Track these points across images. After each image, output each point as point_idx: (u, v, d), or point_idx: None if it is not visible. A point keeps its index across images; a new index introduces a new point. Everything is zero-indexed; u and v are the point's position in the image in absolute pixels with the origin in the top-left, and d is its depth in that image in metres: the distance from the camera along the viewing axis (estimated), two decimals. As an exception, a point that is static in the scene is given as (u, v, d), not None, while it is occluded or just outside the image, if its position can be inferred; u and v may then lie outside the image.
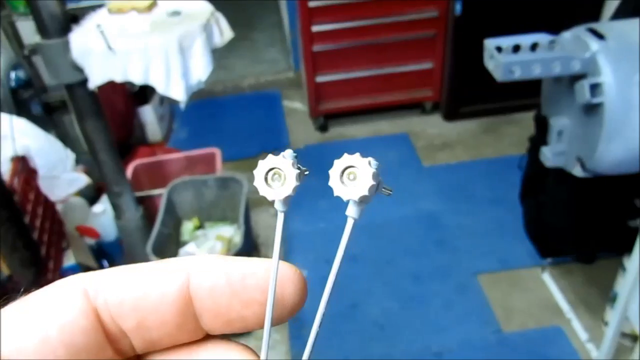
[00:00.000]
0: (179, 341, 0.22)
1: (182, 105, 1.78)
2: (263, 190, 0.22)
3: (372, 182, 0.21)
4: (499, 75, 1.44)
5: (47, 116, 2.56)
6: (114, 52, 1.64)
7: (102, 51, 1.63)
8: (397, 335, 2.08)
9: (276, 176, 0.22)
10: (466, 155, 2.85)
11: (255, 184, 0.22)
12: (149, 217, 2.16)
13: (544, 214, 1.89)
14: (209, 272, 0.22)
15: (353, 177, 0.22)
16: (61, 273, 2.09)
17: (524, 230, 2.10)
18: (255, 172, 0.22)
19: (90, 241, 2.26)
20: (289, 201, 0.22)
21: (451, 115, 3.05)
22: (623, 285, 1.74)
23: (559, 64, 1.41)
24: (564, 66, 1.41)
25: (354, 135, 3.08)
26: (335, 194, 0.22)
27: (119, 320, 0.21)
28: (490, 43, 1.49)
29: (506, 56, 1.44)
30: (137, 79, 1.66)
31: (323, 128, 3.11)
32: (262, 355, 0.22)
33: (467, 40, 2.65)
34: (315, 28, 2.77)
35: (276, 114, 3.32)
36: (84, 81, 1.72)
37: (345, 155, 0.22)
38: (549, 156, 1.59)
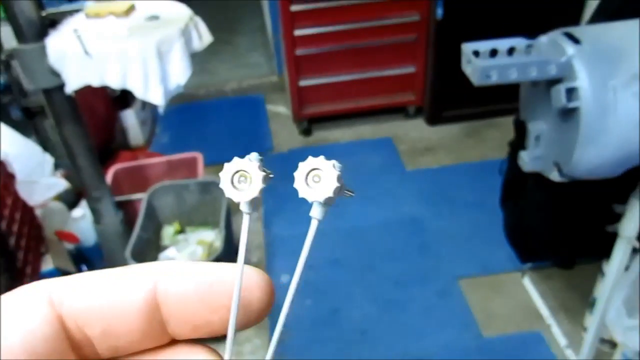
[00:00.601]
0: (145, 347, 0.22)
1: (161, 110, 1.77)
2: (229, 192, 0.23)
3: (336, 184, 0.22)
4: (475, 79, 1.44)
5: (28, 121, 2.54)
6: (90, 56, 1.62)
7: (79, 55, 1.62)
8: (378, 340, 2.08)
9: (242, 178, 0.23)
10: (449, 159, 2.86)
11: (221, 186, 0.23)
12: (129, 222, 2.14)
13: (522, 219, 1.89)
14: (176, 278, 0.22)
15: (318, 179, 0.22)
16: (39, 278, 2.07)
17: (504, 234, 2.11)
18: (221, 174, 0.23)
19: (70, 246, 2.24)
20: (255, 203, 0.23)
21: (434, 119, 3.06)
22: (602, 290, 1.75)
23: (535, 69, 1.41)
24: (541, 70, 1.41)
25: (338, 139, 3.08)
26: (300, 195, 0.22)
27: (85, 327, 0.21)
28: (467, 47, 1.49)
29: (483, 61, 1.44)
30: (115, 84, 1.65)
31: (307, 132, 3.10)
32: (226, 356, 0.22)
33: (448, 44, 2.65)
34: (298, 32, 2.77)
35: (260, 118, 3.31)
36: (62, 86, 1.71)
37: (310, 157, 0.22)
38: (526, 161, 1.59)
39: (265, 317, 0.23)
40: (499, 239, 2.23)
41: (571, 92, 1.40)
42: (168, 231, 2.24)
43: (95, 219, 2.09)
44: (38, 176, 2.08)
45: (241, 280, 0.22)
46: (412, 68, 2.95)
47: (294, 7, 2.70)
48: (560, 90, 1.38)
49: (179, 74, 1.75)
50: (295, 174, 0.22)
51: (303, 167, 0.22)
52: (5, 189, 1.98)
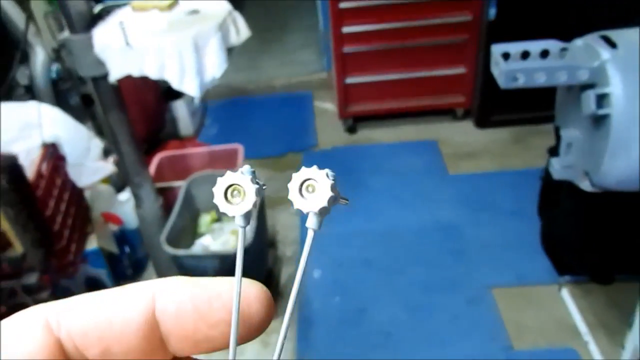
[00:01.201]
0: None
1: (197, 101, 1.83)
2: (223, 206, 0.23)
3: (330, 194, 0.22)
4: (501, 82, 1.41)
5: (85, 108, 2.68)
6: (131, 47, 1.70)
7: (121, 47, 1.71)
8: (403, 344, 2.05)
9: (236, 192, 0.23)
10: (493, 165, 2.78)
11: (215, 201, 0.22)
12: (169, 208, 2.22)
13: (556, 229, 1.82)
14: (173, 295, 0.22)
15: (312, 190, 0.22)
16: (83, 256, 2.19)
17: (541, 244, 2.04)
18: (214, 189, 0.23)
19: (114, 227, 2.35)
20: (249, 216, 0.23)
21: (482, 122, 2.98)
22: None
23: (565, 73, 1.36)
24: (571, 75, 1.36)
25: (382, 139, 3.06)
26: (295, 207, 0.22)
27: (84, 350, 0.21)
28: (496, 49, 1.46)
29: (510, 63, 1.41)
30: (152, 74, 1.73)
31: (352, 130, 3.11)
32: None
33: (500, 47, 2.58)
34: (346, 29, 2.78)
35: (306, 115, 3.35)
36: (107, 75, 1.80)
37: (303, 168, 0.22)
38: (557, 168, 1.54)
39: (266, 329, 0.23)
40: (538, 249, 2.16)
41: (602, 99, 1.33)
42: (205, 219, 2.31)
43: (136, 203, 2.19)
44: (86, 159, 2.20)
45: (239, 293, 0.21)
46: (461, 69, 2.89)
47: (343, 5, 2.71)
48: (590, 96, 1.33)
49: (215, 67, 1.79)
50: (289, 185, 0.22)
51: (296, 177, 0.22)
52: (55, 171, 2.11)
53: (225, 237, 2.24)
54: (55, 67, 2.54)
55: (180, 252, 2.00)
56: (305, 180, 0.22)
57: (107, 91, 1.90)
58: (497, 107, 2.92)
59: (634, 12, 2.40)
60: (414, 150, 2.93)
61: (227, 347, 0.22)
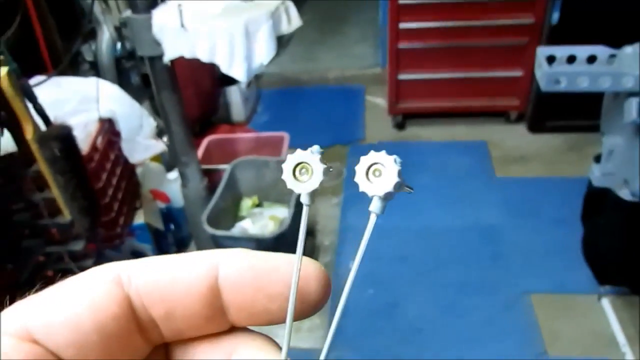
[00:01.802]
0: (205, 332, 0.23)
1: (243, 85, 1.87)
2: (291, 183, 0.23)
3: (397, 179, 0.22)
4: (543, 84, 1.38)
5: (145, 87, 2.78)
6: (185, 30, 1.77)
7: (176, 28, 1.78)
8: (433, 341, 2.04)
9: (304, 170, 0.23)
10: (543, 171, 2.71)
11: (283, 177, 0.23)
12: (214, 190, 2.29)
13: (597, 238, 1.77)
14: (235, 266, 0.22)
15: (379, 174, 0.22)
16: (130, 230, 2.29)
17: (582, 252, 1.98)
18: (283, 165, 0.23)
19: (161, 205, 2.44)
20: (315, 195, 0.23)
21: (536, 127, 2.90)
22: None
23: (609, 79, 1.32)
24: (615, 81, 1.32)
25: (430, 138, 3.04)
26: (361, 189, 0.22)
27: (150, 308, 0.22)
28: (541, 52, 1.43)
29: (553, 66, 1.38)
30: (203, 57, 1.79)
31: (400, 126, 3.09)
32: (283, 349, 0.23)
33: (559, 51, 2.51)
34: (403, 25, 2.76)
35: (356, 109, 3.36)
36: (162, 55, 1.88)
37: (372, 152, 0.22)
38: (597, 175, 1.50)
39: (321, 308, 0.23)
40: (580, 258, 2.10)
41: (646, 107, 1.29)
42: (246, 203, 2.37)
43: (182, 183, 2.27)
44: (137, 136, 2.29)
45: (299, 270, 0.22)
46: (518, 72, 2.82)
47: (402, 1, 2.70)
48: (632, 103, 1.28)
49: (263, 53, 1.84)
50: (356, 167, 0.22)
51: (364, 161, 0.22)
52: (109, 145, 2.21)
53: (264, 221, 2.29)
54: (119, 45, 2.65)
55: (219, 232, 2.05)
56: (372, 164, 0.22)
57: (161, 71, 1.98)
58: (553, 112, 2.84)
59: None
60: (461, 150, 2.90)
61: (283, 321, 0.22)
